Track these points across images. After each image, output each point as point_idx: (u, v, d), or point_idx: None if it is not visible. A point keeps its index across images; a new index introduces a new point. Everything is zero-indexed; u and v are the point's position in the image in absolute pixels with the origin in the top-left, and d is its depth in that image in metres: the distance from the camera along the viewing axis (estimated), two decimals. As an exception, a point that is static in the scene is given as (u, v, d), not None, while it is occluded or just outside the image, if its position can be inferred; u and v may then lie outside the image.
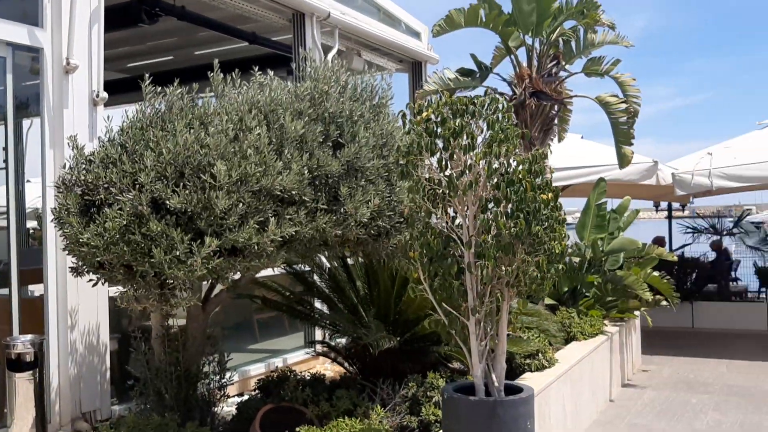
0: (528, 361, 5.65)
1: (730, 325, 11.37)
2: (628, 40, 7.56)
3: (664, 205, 15.29)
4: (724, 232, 14.76)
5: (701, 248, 14.22)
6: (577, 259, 7.99)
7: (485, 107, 3.65)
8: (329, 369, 6.78)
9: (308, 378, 5.22)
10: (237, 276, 4.42)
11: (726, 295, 12.37)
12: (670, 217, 14.69)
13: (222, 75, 4.21)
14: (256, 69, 4.39)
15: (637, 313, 8.47)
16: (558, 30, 7.38)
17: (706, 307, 11.74)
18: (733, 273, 13.46)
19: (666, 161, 10.48)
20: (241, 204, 3.62)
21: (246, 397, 5.21)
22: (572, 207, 15.56)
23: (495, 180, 3.60)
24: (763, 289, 12.11)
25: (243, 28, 8.36)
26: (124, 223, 3.56)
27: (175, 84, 4.05)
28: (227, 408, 5.05)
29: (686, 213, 20.20)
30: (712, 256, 13.22)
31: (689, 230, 14.94)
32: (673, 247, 13.57)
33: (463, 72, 7.46)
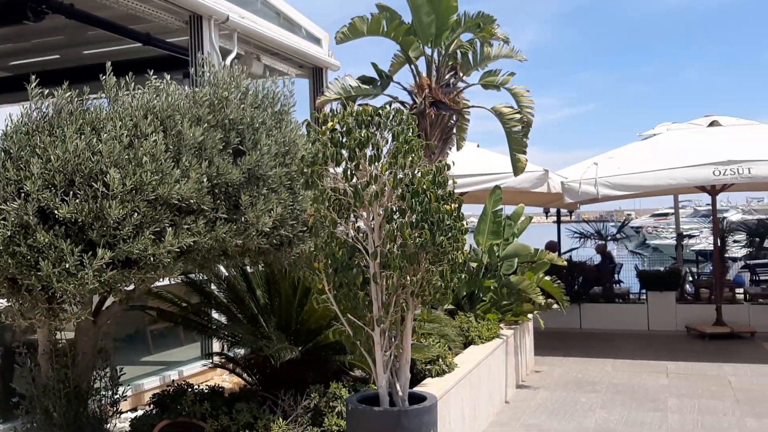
0: (429, 366, 5.72)
1: (615, 326, 12.00)
2: (522, 55, 7.81)
3: (553, 210, 15.99)
4: (609, 237, 15.59)
5: (587, 252, 14.96)
6: (474, 265, 8.20)
7: (390, 118, 3.68)
8: (228, 381, 6.62)
9: (206, 391, 5.07)
10: (131, 287, 4.24)
11: (610, 297, 13.01)
12: (558, 222, 15.37)
13: (115, 78, 4.02)
14: (152, 72, 4.22)
15: (530, 315, 8.78)
16: (456, 42, 7.54)
17: (592, 309, 12.34)
18: (616, 276, 14.17)
19: (555, 169, 10.93)
20: (135, 213, 3.47)
21: (140, 412, 5.02)
22: (468, 212, 16.03)
23: (400, 190, 3.63)
24: (644, 291, 12.81)
25: (136, 28, 8.05)
26: (8, 234, 3.35)
27: (65, 86, 3.83)
28: (120, 424, 4.84)
29: (573, 218, 21.21)
30: (597, 259, 13.89)
31: (577, 235, 15.69)
32: (562, 251, 14.16)
33: (365, 80, 7.49)
